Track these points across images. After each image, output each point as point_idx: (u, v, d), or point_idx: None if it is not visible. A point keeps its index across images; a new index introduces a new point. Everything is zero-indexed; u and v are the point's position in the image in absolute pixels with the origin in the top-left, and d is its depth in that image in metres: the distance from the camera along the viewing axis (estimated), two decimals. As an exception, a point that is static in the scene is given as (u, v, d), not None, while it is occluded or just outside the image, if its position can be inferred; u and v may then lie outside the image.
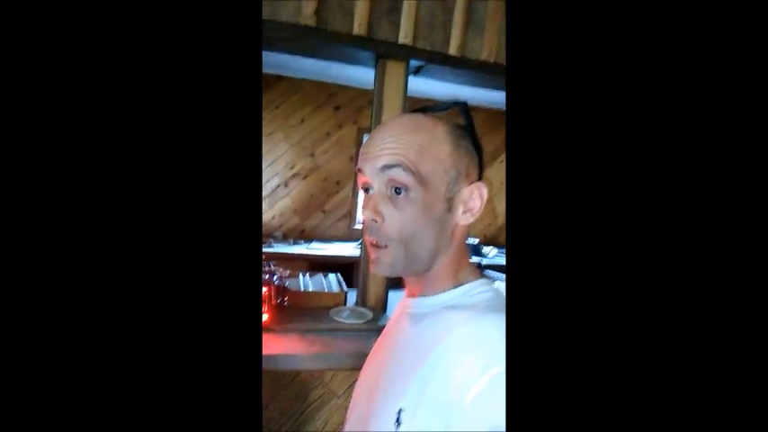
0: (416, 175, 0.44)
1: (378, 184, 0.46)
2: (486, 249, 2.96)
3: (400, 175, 0.44)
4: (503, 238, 3.28)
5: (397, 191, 0.45)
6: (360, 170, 0.48)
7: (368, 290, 1.26)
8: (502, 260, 2.84)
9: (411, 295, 0.52)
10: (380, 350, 0.56)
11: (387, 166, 0.44)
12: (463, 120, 0.49)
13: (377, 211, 0.45)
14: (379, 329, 1.14)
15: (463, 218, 0.47)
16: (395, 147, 0.45)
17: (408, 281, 0.52)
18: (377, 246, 0.46)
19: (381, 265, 0.47)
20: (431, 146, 0.45)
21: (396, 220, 0.45)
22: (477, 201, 0.47)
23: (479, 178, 0.48)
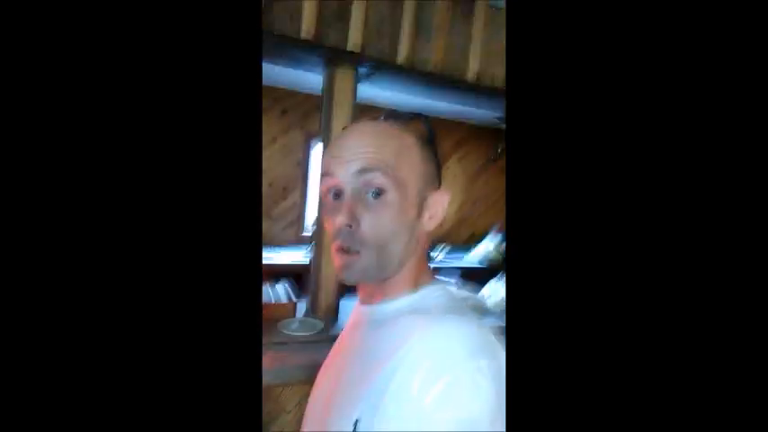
0: (394, 179, 0.44)
1: (352, 188, 0.45)
2: (435, 253, 3.03)
3: (379, 179, 0.44)
4: (450, 239, 3.38)
5: (375, 195, 0.44)
6: (328, 174, 0.46)
7: (318, 298, 1.23)
8: (451, 262, 2.92)
9: (367, 302, 0.51)
10: (336, 359, 0.54)
11: (365, 170, 0.44)
12: (425, 130, 0.50)
13: (352, 216, 0.44)
14: (331, 339, 1.12)
15: (428, 224, 0.48)
16: (372, 150, 0.44)
17: (365, 288, 0.51)
18: (348, 252, 0.45)
19: (352, 272, 0.45)
20: (404, 151, 0.46)
21: (371, 224, 0.44)
22: (440, 207, 0.49)
23: (438, 187, 0.50)
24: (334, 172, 0.46)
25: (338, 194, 0.46)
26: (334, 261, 0.47)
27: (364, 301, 0.52)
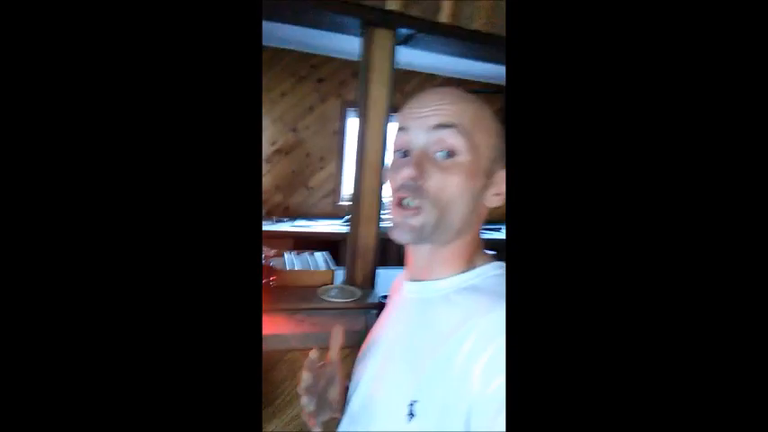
0: (468, 141, 0.43)
1: (425, 143, 0.44)
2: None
3: (454, 137, 0.43)
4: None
5: (446, 154, 0.43)
6: (402, 128, 0.46)
7: (356, 267, 1.24)
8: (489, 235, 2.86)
9: (417, 278, 0.50)
10: (385, 336, 0.53)
11: (441, 126, 0.43)
12: (503, 106, 0.48)
13: (421, 169, 0.43)
14: (368, 307, 1.14)
15: (492, 200, 0.47)
16: (450, 109, 0.43)
17: (415, 262, 0.50)
18: (408, 207, 0.44)
19: (406, 229, 0.44)
20: (482, 118, 0.45)
21: (438, 180, 0.43)
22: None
23: None
24: (407, 126, 0.45)
25: (406, 153, 0.45)
26: (391, 217, 0.45)
27: (413, 277, 0.50)
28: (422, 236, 0.44)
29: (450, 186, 0.43)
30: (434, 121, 0.43)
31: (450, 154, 0.43)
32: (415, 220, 0.43)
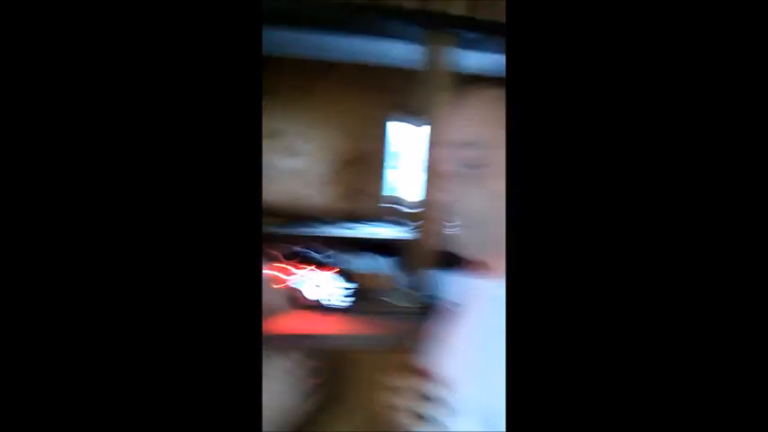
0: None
1: None
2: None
3: None
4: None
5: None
6: None
7: (420, 272, 1.24)
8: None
9: (488, 275, 0.51)
10: (457, 335, 0.54)
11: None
12: None
13: None
14: (431, 311, 1.13)
15: None
16: None
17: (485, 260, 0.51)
18: None
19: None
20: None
21: None
22: None
23: None
24: None
25: None
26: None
27: (486, 275, 0.51)
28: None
29: None
30: None
31: None
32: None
